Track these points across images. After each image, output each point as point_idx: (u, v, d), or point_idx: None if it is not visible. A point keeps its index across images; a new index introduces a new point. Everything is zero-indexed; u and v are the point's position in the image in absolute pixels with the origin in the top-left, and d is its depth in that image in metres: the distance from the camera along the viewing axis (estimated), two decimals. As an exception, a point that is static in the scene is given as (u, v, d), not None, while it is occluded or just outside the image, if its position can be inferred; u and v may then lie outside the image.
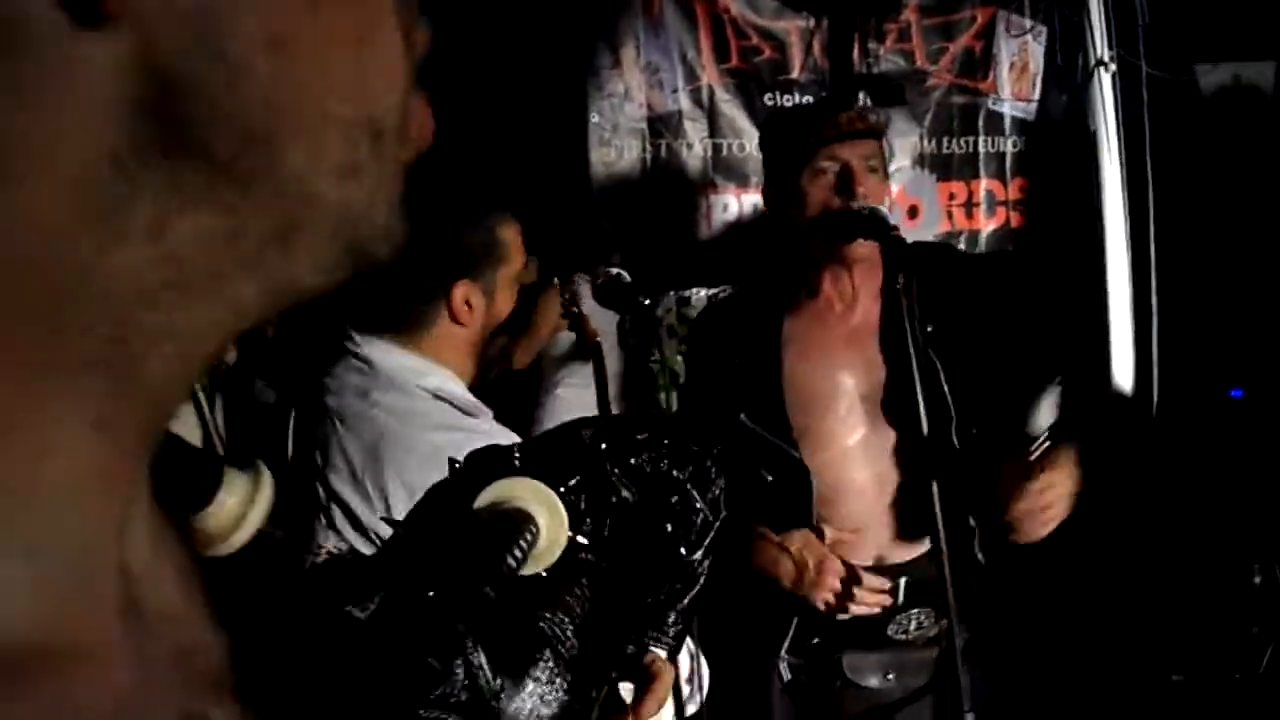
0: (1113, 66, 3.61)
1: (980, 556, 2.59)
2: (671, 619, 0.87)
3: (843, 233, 2.54)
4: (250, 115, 0.42)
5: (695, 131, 3.65)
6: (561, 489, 0.79)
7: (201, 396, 3.22)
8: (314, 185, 0.45)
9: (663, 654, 0.86)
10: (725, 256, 3.72)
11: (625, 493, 0.82)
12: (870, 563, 2.54)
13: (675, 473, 0.85)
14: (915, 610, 2.53)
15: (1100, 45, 3.61)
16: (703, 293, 3.90)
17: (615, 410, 3.71)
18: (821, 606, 2.48)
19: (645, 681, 0.85)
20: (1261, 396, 3.80)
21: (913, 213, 3.86)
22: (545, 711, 0.68)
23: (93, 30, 0.37)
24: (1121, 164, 3.63)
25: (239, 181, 0.42)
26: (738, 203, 3.66)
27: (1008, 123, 3.99)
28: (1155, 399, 3.62)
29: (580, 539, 0.79)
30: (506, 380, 4.19)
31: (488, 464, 0.81)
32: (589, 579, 0.77)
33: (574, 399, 4.17)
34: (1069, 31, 3.82)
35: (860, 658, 2.57)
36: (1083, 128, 3.71)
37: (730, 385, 2.74)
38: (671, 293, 4.50)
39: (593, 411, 4.19)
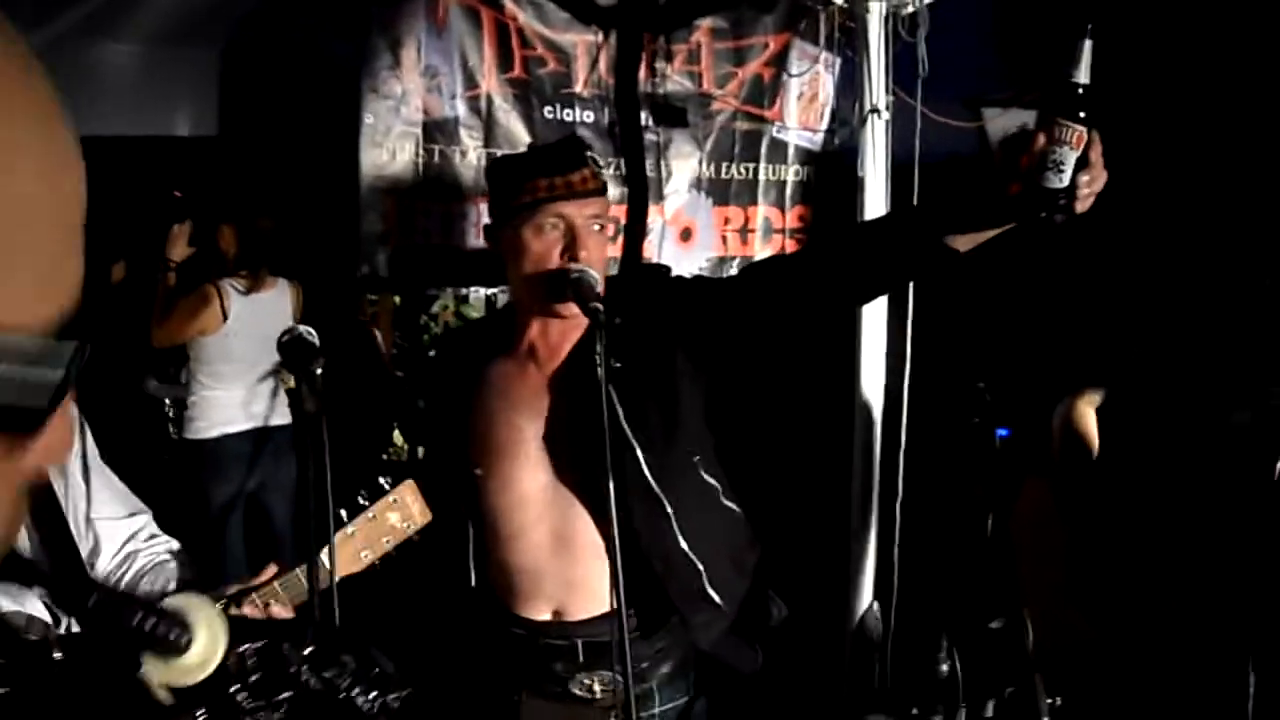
0: (886, 115, 3.64)
1: (714, 595, 2.64)
2: None
3: (552, 294, 2.57)
4: None
5: (470, 139, 3.62)
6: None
7: None
8: None
9: None
10: (495, 264, 3.73)
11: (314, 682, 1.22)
12: (548, 617, 2.57)
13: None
14: (601, 671, 2.56)
15: (876, 91, 3.64)
16: (481, 291, 3.92)
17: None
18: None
19: None
20: (1024, 436, 3.90)
21: (685, 235, 3.89)
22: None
23: None
24: (887, 208, 3.67)
25: None
26: (509, 213, 3.66)
27: (791, 151, 4.03)
28: (903, 442, 3.69)
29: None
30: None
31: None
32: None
33: (217, 400, 4.41)
34: (853, 71, 3.84)
35: (539, 705, 2.59)
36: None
37: (433, 422, 2.79)
38: (449, 290, 4.53)
39: (236, 410, 4.35)
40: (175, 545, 2.45)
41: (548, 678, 2.60)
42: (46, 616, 2.42)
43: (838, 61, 3.99)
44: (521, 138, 3.65)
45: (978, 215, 2.37)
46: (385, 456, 4.65)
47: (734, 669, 2.79)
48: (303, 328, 2.29)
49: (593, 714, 2.55)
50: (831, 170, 4.04)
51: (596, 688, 2.58)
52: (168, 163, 3.90)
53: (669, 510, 2.57)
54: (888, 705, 3.49)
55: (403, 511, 2.43)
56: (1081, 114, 2.16)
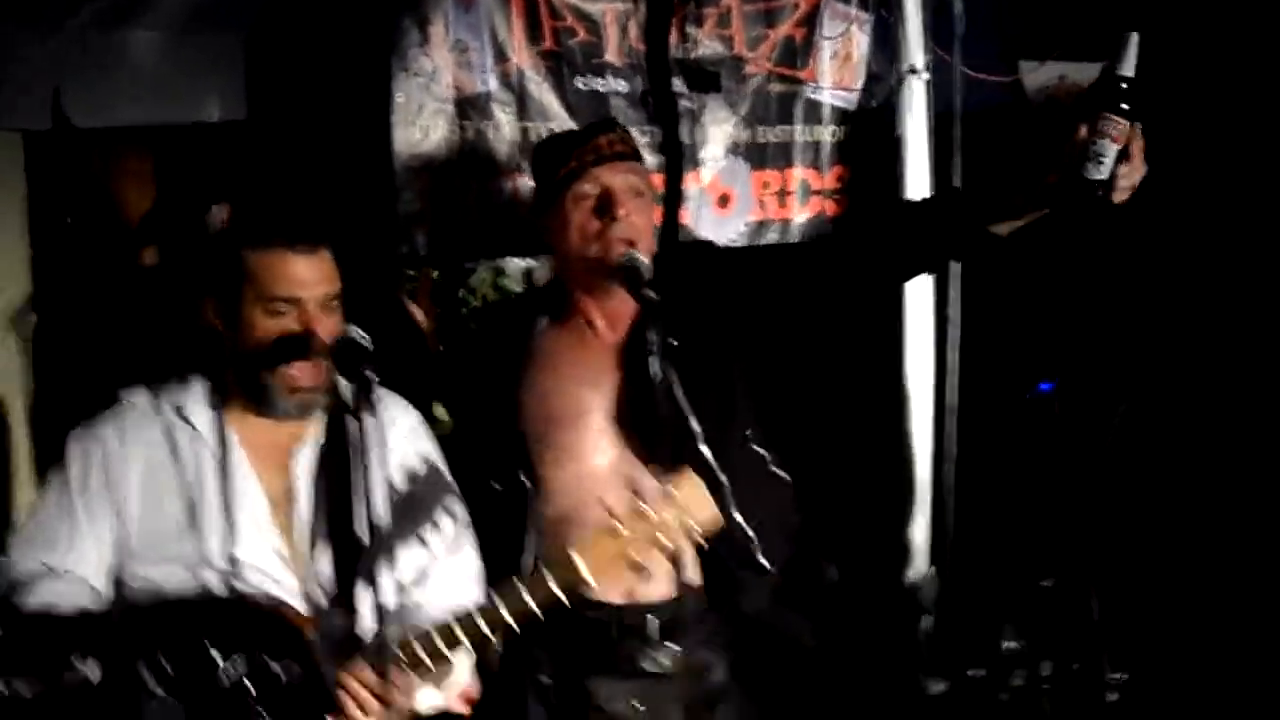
0: (924, 75, 3.59)
1: (764, 562, 2.63)
2: None
3: (602, 279, 2.58)
4: None
5: (504, 114, 3.57)
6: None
7: None
8: None
9: None
10: (532, 239, 3.68)
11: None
12: (621, 600, 2.58)
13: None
14: (671, 646, 2.57)
15: (914, 51, 3.59)
16: (518, 262, 3.89)
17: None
18: None
19: None
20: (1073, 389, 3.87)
21: (723, 201, 3.84)
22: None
23: None
24: (930, 168, 3.64)
25: None
26: (545, 187, 3.61)
27: (826, 112, 3.96)
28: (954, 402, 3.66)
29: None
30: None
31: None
32: None
33: None
34: (888, 30, 3.78)
35: (612, 685, 2.62)
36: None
37: (478, 394, 2.79)
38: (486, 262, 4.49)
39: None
40: None
41: (619, 657, 2.61)
42: None
43: (870, 19, 3.93)
44: (555, 110, 3.60)
45: (1014, 203, 2.39)
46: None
47: (786, 638, 2.80)
48: (354, 330, 2.25)
49: (665, 689, 2.59)
50: (868, 128, 3.98)
51: (665, 660, 2.59)
52: (197, 149, 3.84)
53: (723, 480, 2.57)
54: (942, 668, 3.50)
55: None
56: (1125, 107, 2.15)
